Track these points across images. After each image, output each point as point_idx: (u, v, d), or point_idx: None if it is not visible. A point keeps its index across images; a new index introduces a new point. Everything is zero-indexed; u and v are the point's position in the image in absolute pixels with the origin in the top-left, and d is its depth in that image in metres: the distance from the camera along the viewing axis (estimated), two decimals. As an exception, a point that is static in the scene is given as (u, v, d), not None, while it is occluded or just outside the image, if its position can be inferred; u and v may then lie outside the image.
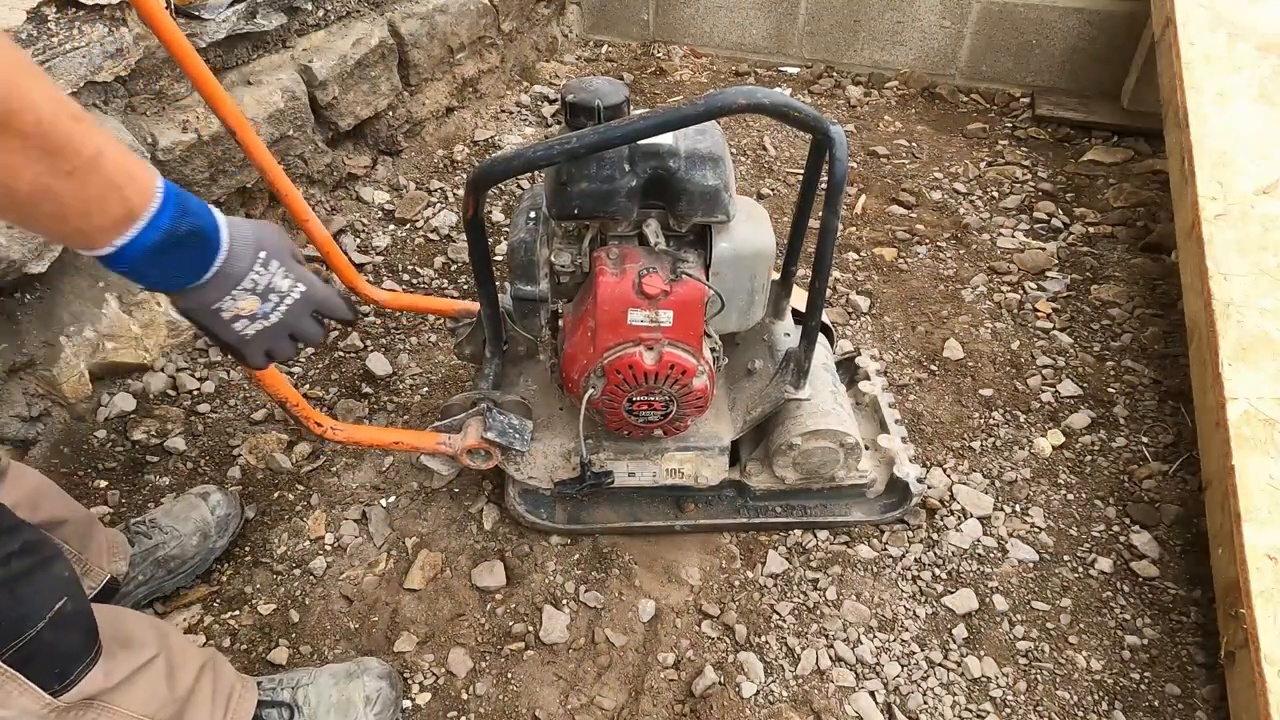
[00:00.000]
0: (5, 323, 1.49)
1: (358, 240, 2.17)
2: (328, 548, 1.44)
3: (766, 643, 1.30)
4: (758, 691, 1.24)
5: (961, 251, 2.20)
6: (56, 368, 1.54)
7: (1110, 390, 1.76)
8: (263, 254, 0.81)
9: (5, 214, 0.65)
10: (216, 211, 0.78)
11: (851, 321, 1.97)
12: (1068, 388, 1.76)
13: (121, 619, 0.96)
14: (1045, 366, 1.82)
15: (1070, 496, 1.54)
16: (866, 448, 1.49)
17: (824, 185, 1.11)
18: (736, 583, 1.39)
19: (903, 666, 1.27)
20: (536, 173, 2.02)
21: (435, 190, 2.41)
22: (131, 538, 1.29)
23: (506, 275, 1.35)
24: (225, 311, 0.80)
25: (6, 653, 0.80)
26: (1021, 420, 1.70)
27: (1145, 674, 1.27)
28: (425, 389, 1.75)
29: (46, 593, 0.85)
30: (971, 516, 1.49)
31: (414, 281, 2.06)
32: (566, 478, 1.36)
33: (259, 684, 1.12)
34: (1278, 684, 1.04)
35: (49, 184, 0.63)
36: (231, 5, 1.81)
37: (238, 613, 1.33)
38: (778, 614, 1.34)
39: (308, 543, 1.44)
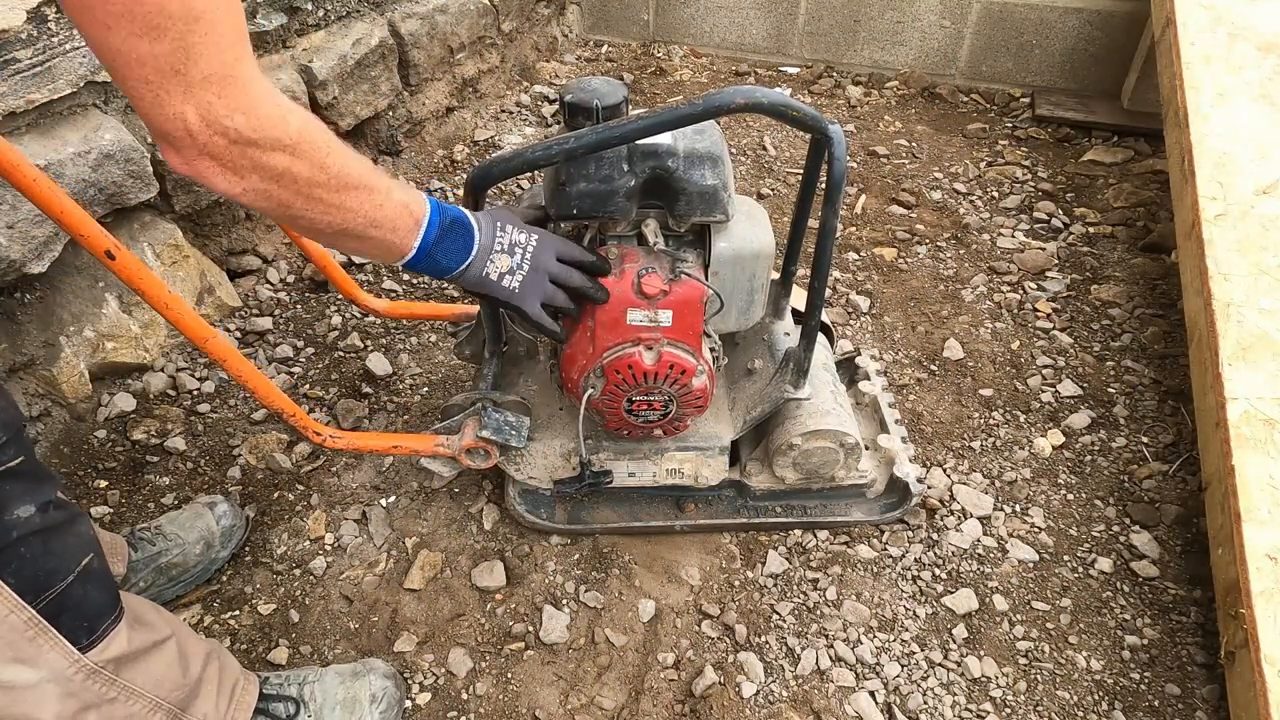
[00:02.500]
0: (5, 323, 1.49)
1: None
2: (328, 548, 1.44)
3: (766, 643, 1.30)
4: (758, 691, 1.24)
5: (961, 251, 2.20)
6: (56, 368, 1.54)
7: (1110, 390, 1.76)
8: (498, 222, 1.05)
9: (344, 243, 0.93)
10: (452, 217, 1.01)
11: (851, 321, 1.97)
12: (1068, 388, 1.76)
13: (131, 601, 0.97)
14: (1045, 366, 1.82)
15: (1070, 496, 1.54)
16: (866, 448, 1.49)
17: (823, 185, 1.11)
18: (736, 583, 1.39)
19: (903, 666, 1.27)
20: (536, 173, 2.02)
21: (435, 190, 2.41)
22: (135, 543, 1.29)
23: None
24: (492, 274, 1.04)
25: (40, 603, 0.81)
26: (1021, 420, 1.70)
27: (1145, 674, 1.27)
28: (425, 389, 1.75)
29: (75, 548, 0.87)
30: (971, 516, 1.49)
31: (414, 282, 2.07)
32: (566, 477, 1.36)
33: (266, 679, 1.12)
34: (1278, 684, 1.04)
35: (374, 214, 0.91)
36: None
37: (237, 613, 1.33)
38: (778, 614, 1.34)
39: (308, 543, 1.44)
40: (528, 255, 1.06)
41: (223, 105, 0.72)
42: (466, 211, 1.04)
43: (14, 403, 0.84)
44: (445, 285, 2.06)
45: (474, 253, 1.02)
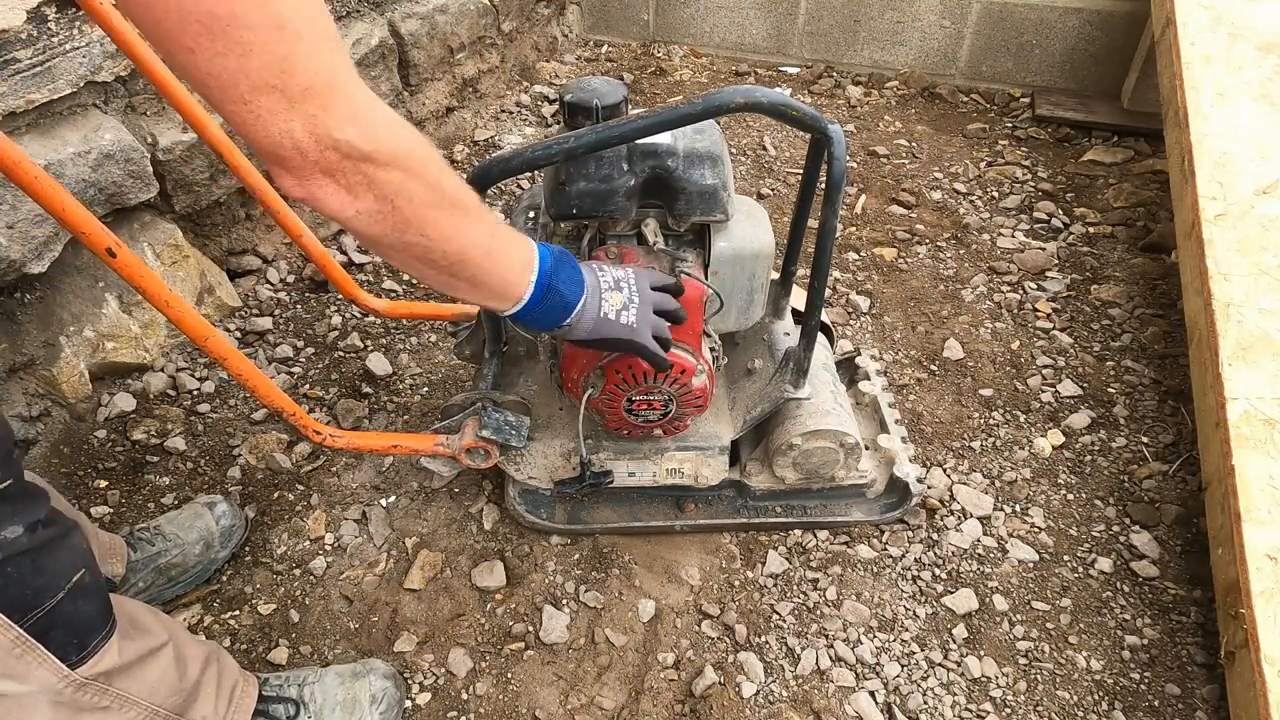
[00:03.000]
0: (5, 323, 1.49)
1: (358, 240, 2.17)
2: (328, 548, 1.44)
3: (766, 643, 1.30)
4: (758, 691, 1.24)
5: (961, 251, 2.20)
6: (56, 368, 1.54)
7: (1110, 390, 1.76)
8: (588, 264, 1.01)
9: (458, 280, 0.86)
10: (556, 248, 0.97)
11: (851, 321, 1.97)
12: (1068, 388, 1.76)
13: (127, 605, 0.97)
14: (1045, 366, 1.82)
15: (1070, 496, 1.54)
16: (866, 448, 1.49)
17: (823, 185, 1.11)
18: (736, 583, 1.39)
19: (903, 666, 1.27)
20: (535, 172, 2.02)
21: (435, 190, 2.41)
22: (134, 544, 1.29)
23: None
24: (609, 313, 1.00)
25: (27, 621, 0.81)
26: (1021, 420, 1.70)
27: (1145, 674, 1.27)
28: (425, 389, 1.75)
29: (66, 563, 0.86)
30: (971, 516, 1.49)
31: (414, 282, 2.07)
32: (566, 478, 1.36)
33: (266, 680, 1.12)
34: (1278, 684, 1.04)
35: (490, 244, 0.86)
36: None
37: (237, 613, 1.33)
38: (778, 614, 1.34)
39: (308, 543, 1.44)
40: (634, 287, 1.02)
41: (331, 118, 0.67)
42: (577, 263, 0.99)
43: (4, 421, 0.84)
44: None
45: (586, 290, 0.97)
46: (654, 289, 1.06)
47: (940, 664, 1.28)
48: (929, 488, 1.53)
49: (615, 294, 1.00)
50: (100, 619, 0.89)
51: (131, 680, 0.91)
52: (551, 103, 2.92)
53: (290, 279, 2.03)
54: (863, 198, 2.42)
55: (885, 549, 1.44)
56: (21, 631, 0.80)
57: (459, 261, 0.83)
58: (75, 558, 0.88)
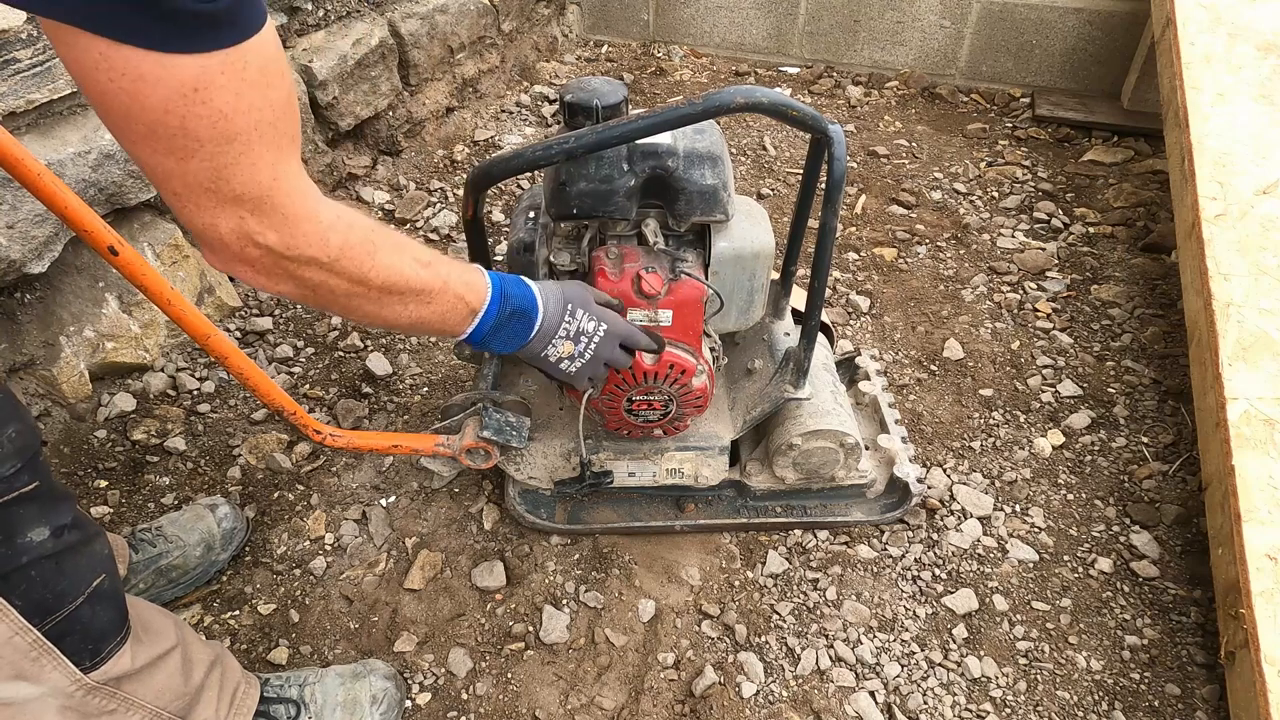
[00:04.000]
0: (5, 323, 1.49)
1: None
2: (328, 548, 1.44)
3: (766, 643, 1.30)
4: (758, 691, 1.24)
5: (961, 251, 2.20)
6: (56, 368, 1.54)
7: (1110, 390, 1.76)
8: (569, 305, 1.05)
9: (393, 330, 0.88)
10: (531, 284, 1.03)
11: (851, 321, 1.97)
12: (1068, 388, 1.76)
13: (140, 607, 0.97)
14: (1045, 366, 1.82)
15: (1070, 496, 1.54)
16: (866, 448, 1.49)
17: (823, 185, 1.11)
18: (736, 583, 1.39)
19: (903, 666, 1.27)
20: (536, 172, 2.02)
21: (435, 190, 2.41)
22: (136, 545, 1.29)
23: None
24: (550, 357, 1.05)
25: (46, 625, 0.81)
26: (1021, 420, 1.70)
27: (1145, 674, 1.27)
28: (425, 389, 1.75)
29: (87, 569, 0.87)
30: (971, 516, 1.49)
31: (414, 282, 2.06)
32: (567, 478, 1.36)
33: (267, 681, 1.12)
34: (1278, 684, 1.04)
35: (419, 314, 0.90)
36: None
37: (237, 613, 1.33)
38: (778, 614, 1.34)
39: (308, 543, 1.44)
40: (591, 346, 1.07)
41: (255, 222, 0.70)
42: (535, 291, 1.03)
43: (32, 425, 0.84)
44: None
45: (531, 338, 1.03)
46: (624, 347, 1.11)
47: (940, 664, 1.28)
48: (929, 488, 1.53)
49: (568, 344, 1.05)
50: (116, 625, 0.90)
51: (139, 684, 0.91)
52: (551, 103, 2.92)
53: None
54: (863, 198, 2.42)
55: (885, 549, 1.44)
56: (40, 635, 0.81)
57: (384, 326, 0.92)
58: (97, 563, 0.88)
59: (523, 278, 1.05)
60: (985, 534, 1.47)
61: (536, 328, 1.02)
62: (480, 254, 1.21)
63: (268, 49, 0.64)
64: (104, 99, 0.60)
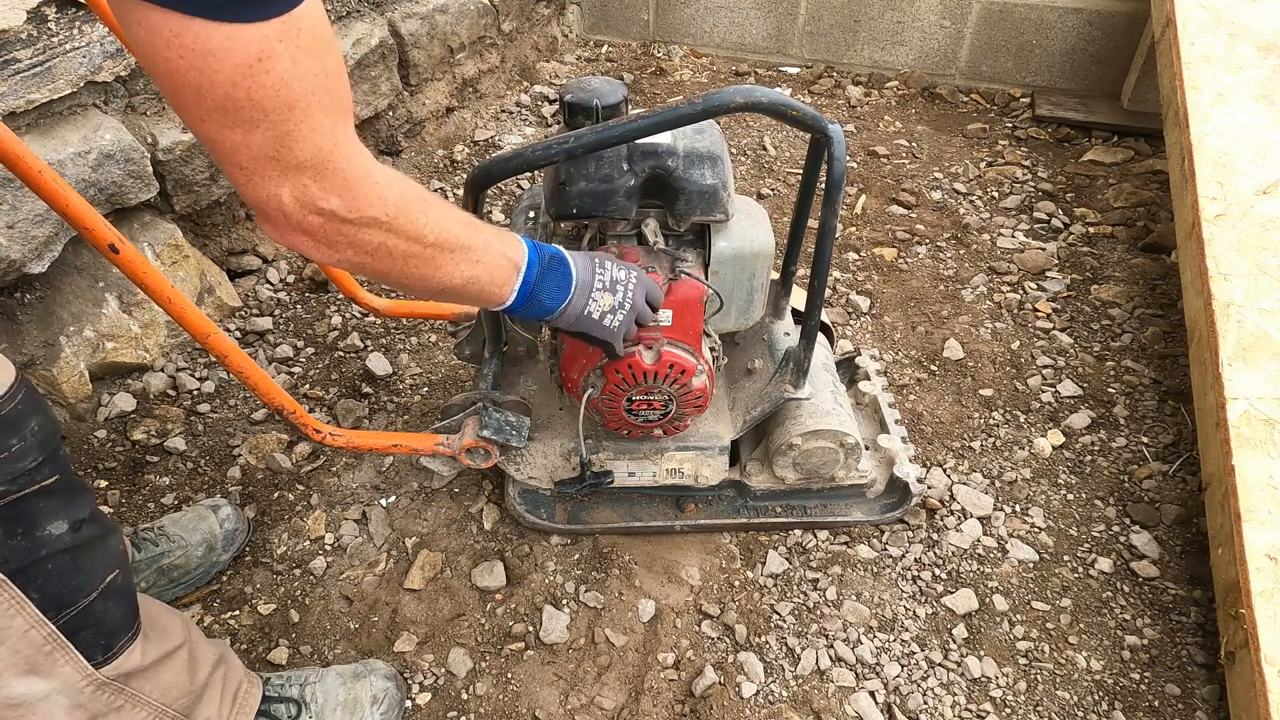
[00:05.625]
0: (5, 323, 1.49)
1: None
2: (328, 548, 1.44)
3: (766, 643, 1.30)
4: (758, 691, 1.24)
5: (961, 251, 2.20)
6: (56, 368, 1.54)
7: (1110, 390, 1.76)
8: (595, 258, 1.05)
9: (444, 298, 0.92)
10: (550, 253, 1.01)
11: (851, 321, 1.97)
12: (1068, 388, 1.76)
13: (148, 604, 0.98)
14: (1045, 366, 1.82)
15: (1070, 496, 1.54)
16: (866, 448, 1.49)
17: (823, 185, 1.11)
18: (736, 583, 1.39)
19: (903, 666, 1.27)
20: (536, 172, 2.02)
21: (435, 190, 2.41)
22: (138, 544, 1.30)
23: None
24: (594, 313, 1.03)
25: (60, 619, 0.81)
26: (1021, 420, 1.70)
27: (1145, 674, 1.27)
28: (425, 389, 1.75)
29: (102, 564, 0.87)
30: (971, 516, 1.49)
31: (414, 282, 2.06)
32: (567, 478, 1.36)
33: (268, 680, 1.12)
34: (1278, 684, 1.04)
35: (471, 272, 0.90)
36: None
37: (237, 612, 1.33)
38: (778, 614, 1.34)
39: (308, 543, 1.44)
40: (629, 293, 1.06)
41: (318, 188, 0.72)
42: (569, 253, 1.03)
43: (52, 418, 0.84)
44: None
45: (573, 289, 1.01)
46: (649, 302, 1.10)
47: (940, 664, 1.28)
48: (929, 488, 1.53)
49: (608, 295, 1.04)
50: (128, 621, 0.90)
51: (147, 681, 0.92)
52: (551, 103, 2.93)
53: (290, 279, 2.03)
54: (863, 198, 2.42)
55: (885, 549, 1.44)
56: (54, 629, 0.81)
57: (438, 290, 0.90)
58: (112, 558, 0.89)
59: None
60: (985, 534, 1.47)
61: (574, 277, 1.01)
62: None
63: (317, 14, 0.66)
64: (175, 77, 0.61)
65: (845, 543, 1.45)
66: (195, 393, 1.71)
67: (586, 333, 1.07)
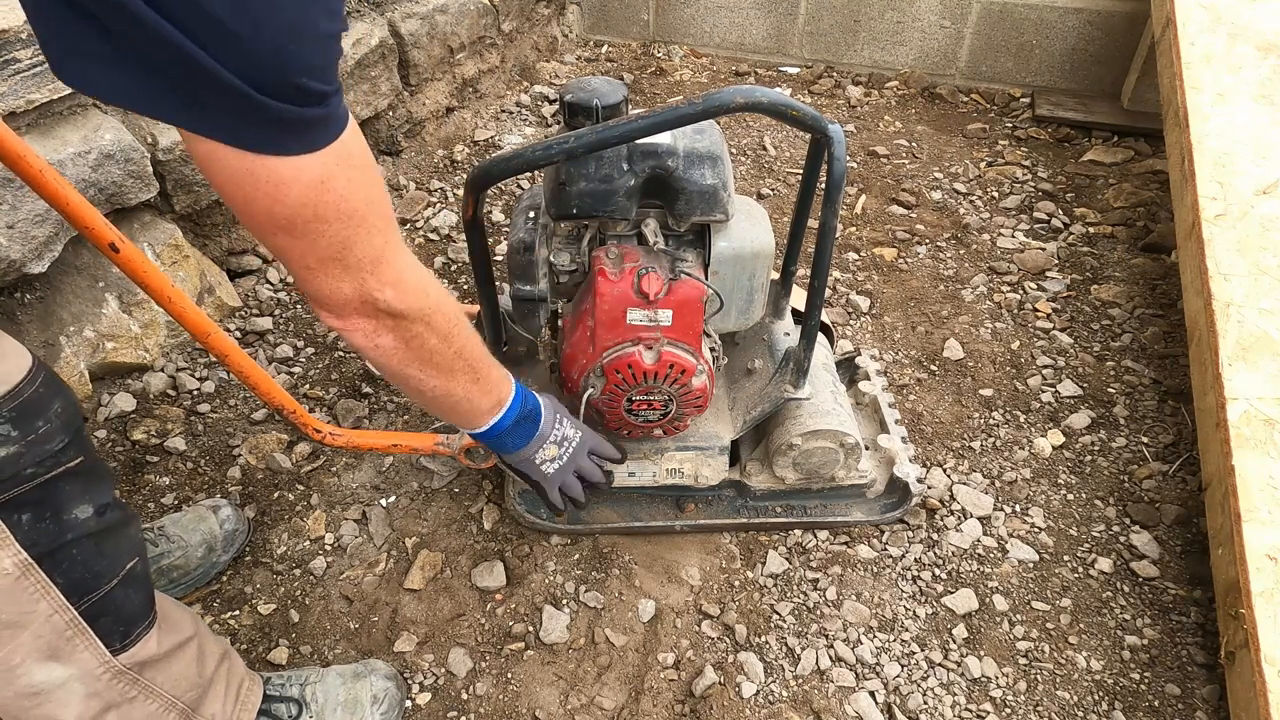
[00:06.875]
0: (5, 323, 1.49)
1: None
2: (328, 548, 1.44)
3: (766, 643, 1.30)
4: (758, 691, 1.24)
5: (961, 251, 2.20)
6: (56, 368, 1.54)
7: (1110, 390, 1.76)
8: (557, 415, 1.16)
9: (433, 405, 0.99)
10: (529, 391, 1.12)
11: (851, 321, 1.97)
12: (1068, 388, 1.76)
13: (158, 597, 0.98)
14: (1045, 366, 1.82)
15: (1070, 496, 1.54)
16: (866, 448, 1.49)
17: (823, 185, 1.11)
18: (736, 583, 1.39)
19: (903, 666, 1.27)
20: (536, 172, 2.02)
21: (435, 190, 2.41)
22: None
23: (506, 275, 1.36)
24: (538, 459, 1.14)
25: (82, 605, 0.82)
26: (1021, 420, 1.70)
27: (1145, 674, 1.27)
28: (425, 389, 1.75)
29: (124, 550, 0.88)
30: (971, 516, 1.49)
31: (414, 282, 2.06)
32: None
33: (269, 679, 1.13)
34: (1278, 684, 1.04)
35: (468, 390, 0.99)
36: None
37: (237, 612, 1.33)
38: (778, 614, 1.34)
39: (308, 543, 1.44)
40: (569, 449, 1.17)
41: (375, 281, 0.79)
42: (541, 400, 1.14)
43: (74, 400, 0.84)
44: (447, 285, 2.06)
45: (532, 439, 1.12)
46: (593, 455, 1.22)
47: (940, 664, 1.28)
48: (929, 488, 1.53)
49: (553, 448, 1.15)
50: (145, 609, 0.91)
51: (159, 672, 0.92)
52: (551, 103, 2.93)
53: (290, 279, 2.03)
54: (863, 198, 2.42)
55: (885, 549, 1.44)
56: (76, 614, 0.81)
57: (439, 394, 0.96)
58: (132, 545, 0.89)
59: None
60: (985, 534, 1.47)
61: (539, 429, 1.12)
62: (480, 254, 1.21)
63: (359, 137, 0.75)
64: (249, 204, 0.69)
65: (845, 543, 1.45)
66: (195, 393, 1.71)
67: (521, 471, 1.17)
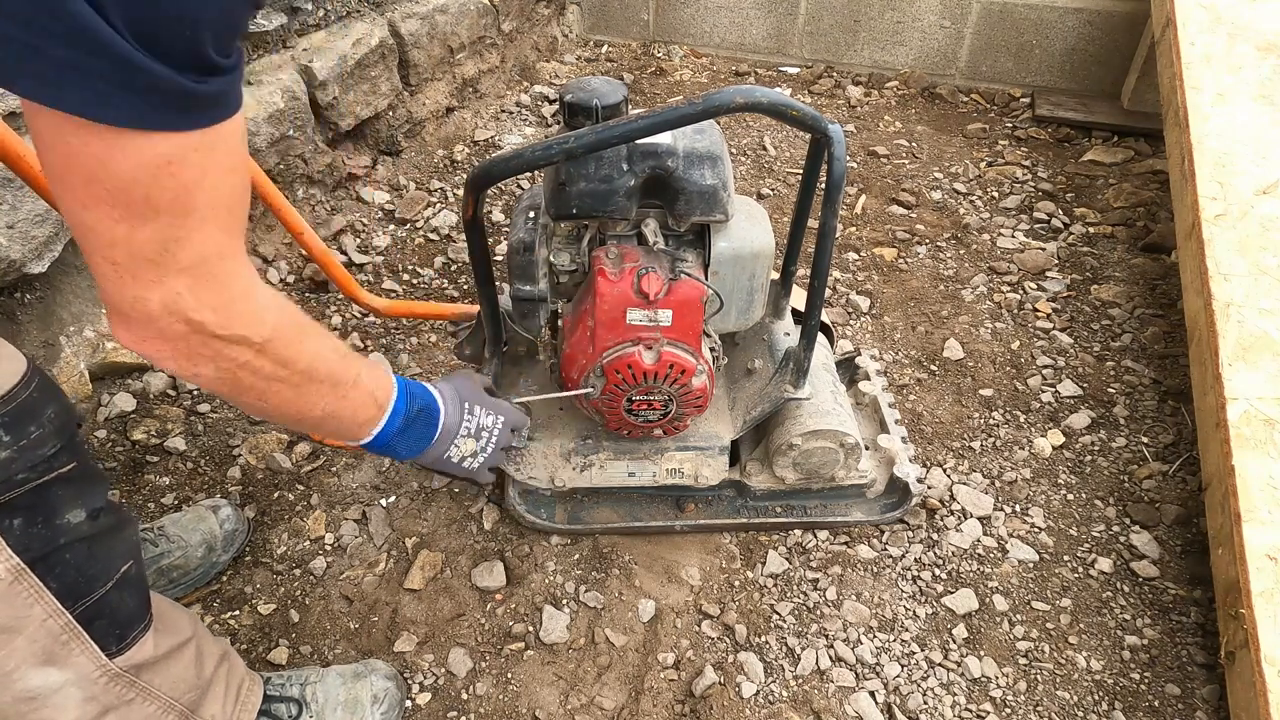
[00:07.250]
0: (5, 323, 1.49)
1: (358, 240, 2.17)
2: (328, 548, 1.44)
3: (766, 643, 1.30)
4: (758, 691, 1.24)
5: (961, 251, 2.20)
6: (56, 368, 1.54)
7: (1110, 390, 1.76)
8: (466, 403, 1.08)
9: (299, 427, 0.94)
10: (428, 385, 1.05)
11: (851, 321, 1.97)
12: (1068, 388, 1.76)
13: (156, 599, 0.98)
14: (1045, 366, 1.82)
15: (1070, 496, 1.54)
16: (866, 448, 1.49)
17: (823, 185, 1.11)
18: (736, 583, 1.39)
19: (903, 666, 1.27)
20: (536, 172, 2.02)
21: (435, 190, 2.41)
22: None
23: (506, 275, 1.36)
24: (453, 457, 1.08)
25: (77, 609, 0.82)
26: (1021, 420, 1.70)
27: (1145, 674, 1.27)
28: (425, 389, 1.75)
29: (118, 554, 0.87)
30: (971, 516, 1.49)
31: (414, 282, 2.07)
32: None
33: (269, 680, 1.13)
34: (1278, 684, 1.04)
35: (333, 406, 0.89)
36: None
37: (237, 613, 1.33)
38: (778, 614, 1.34)
39: (308, 543, 1.44)
40: (492, 439, 1.11)
41: (192, 298, 0.68)
42: (435, 393, 1.05)
43: (68, 405, 0.84)
44: (447, 285, 2.06)
45: (433, 440, 1.05)
46: (516, 430, 1.17)
47: (940, 664, 1.28)
48: (929, 488, 1.53)
49: (470, 442, 1.09)
50: (140, 612, 0.91)
51: (157, 674, 0.92)
52: (551, 103, 2.93)
53: (291, 279, 2.03)
54: (863, 198, 2.42)
55: (885, 549, 1.44)
56: (71, 618, 0.81)
57: (295, 418, 0.89)
58: (127, 548, 0.89)
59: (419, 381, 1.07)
60: (985, 534, 1.47)
61: (440, 426, 1.05)
62: (480, 254, 1.21)
63: (237, 135, 0.65)
64: (69, 162, 0.58)
65: (845, 543, 1.45)
66: (195, 393, 1.71)
67: (443, 472, 1.11)
